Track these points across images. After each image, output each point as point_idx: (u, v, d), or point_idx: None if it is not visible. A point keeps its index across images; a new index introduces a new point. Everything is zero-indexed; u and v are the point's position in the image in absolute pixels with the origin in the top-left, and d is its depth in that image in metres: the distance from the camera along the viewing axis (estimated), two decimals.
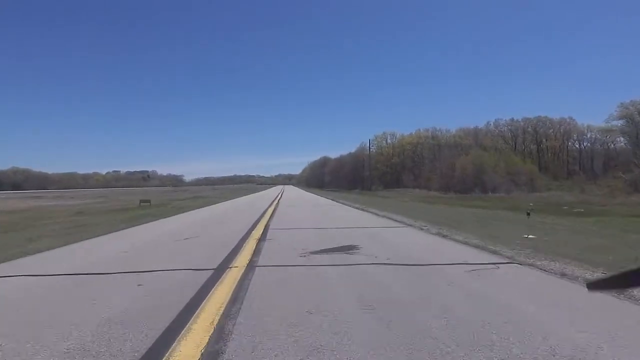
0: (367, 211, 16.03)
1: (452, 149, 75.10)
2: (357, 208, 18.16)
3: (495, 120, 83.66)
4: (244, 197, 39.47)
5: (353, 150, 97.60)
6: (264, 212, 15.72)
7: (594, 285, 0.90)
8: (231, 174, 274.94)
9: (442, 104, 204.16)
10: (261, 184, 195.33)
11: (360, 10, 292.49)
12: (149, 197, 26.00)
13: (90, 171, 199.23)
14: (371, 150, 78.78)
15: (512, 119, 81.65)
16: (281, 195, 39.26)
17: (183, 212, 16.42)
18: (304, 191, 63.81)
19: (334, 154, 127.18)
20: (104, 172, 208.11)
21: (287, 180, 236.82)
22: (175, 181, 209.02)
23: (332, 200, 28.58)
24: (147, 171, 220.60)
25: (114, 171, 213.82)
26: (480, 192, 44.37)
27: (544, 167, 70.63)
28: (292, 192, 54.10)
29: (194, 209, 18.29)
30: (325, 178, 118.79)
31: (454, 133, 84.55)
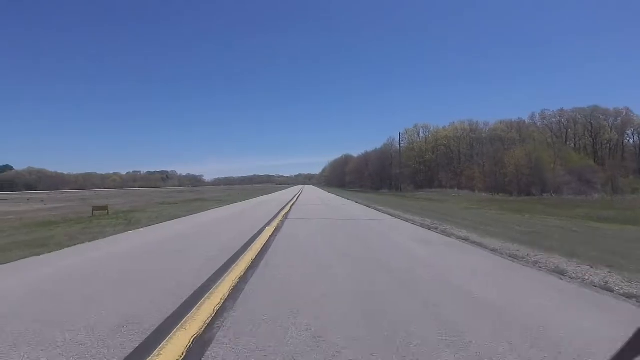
0: (456, 237, 9.33)
1: (494, 143, 71.34)
2: (425, 227, 11.70)
3: (542, 111, 78.88)
4: (253, 199, 37.26)
5: (379, 146, 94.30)
6: (250, 240, 9.05)
7: None
8: (251, 174, 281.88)
9: (476, 95, 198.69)
10: (281, 184, 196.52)
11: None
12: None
13: (112, 171, 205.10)
14: (401, 145, 75.51)
15: (562, 109, 76.75)
16: (297, 198, 36.82)
17: (122, 232, 13.75)
18: (325, 192, 61.19)
19: (356, 152, 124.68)
20: (124, 172, 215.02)
21: (306, 180, 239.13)
22: (195, 181, 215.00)
23: (364, 205, 23.54)
24: (167, 171, 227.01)
25: (135, 171, 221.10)
26: (540, 192, 40.72)
27: (600, 163, 65.77)
28: (311, 194, 51.61)
29: (155, 224, 13.40)
30: (347, 177, 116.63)
31: (493, 126, 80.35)
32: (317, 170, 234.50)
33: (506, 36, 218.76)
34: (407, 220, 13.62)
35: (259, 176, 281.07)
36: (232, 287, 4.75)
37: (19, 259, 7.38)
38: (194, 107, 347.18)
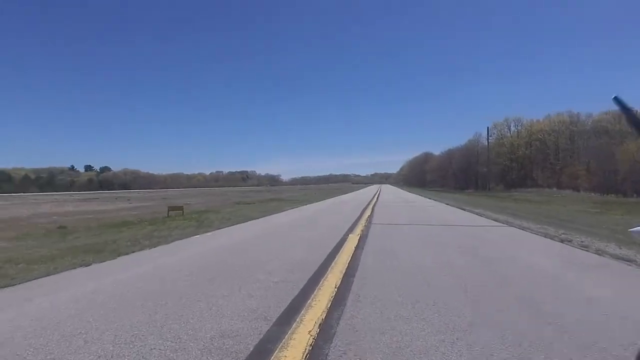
0: None
1: (600, 137, 63.10)
2: (553, 238, 9.11)
3: None
4: (330, 199, 35.74)
5: (463, 143, 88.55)
6: (339, 246, 7.87)
7: None
8: (327, 173, 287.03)
9: (574, 84, 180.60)
10: (357, 183, 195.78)
11: None
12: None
13: (197, 172, 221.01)
14: (489, 140, 69.83)
15: None
16: (377, 198, 34.64)
17: (204, 232, 11.80)
18: (405, 192, 58.01)
19: (437, 150, 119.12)
20: (208, 172, 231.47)
21: (383, 179, 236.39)
22: (272, 181, 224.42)
23: (456, 207, 20.59)
24: (247, 171, 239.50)
25: (217, 171, 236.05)
26: None
27: None
28: (391, 194, 49.03)
29: (225, 227, 12.63)
30: (427, 176, 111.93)
31: (597, 117, 71.09)
32: (394, 169, 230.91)
33: (610, 20, 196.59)
34: (522, 228, 11.01)
35: (334, 175, 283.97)
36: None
37: (64, 270, 6.46)
38: (274, 109, 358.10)
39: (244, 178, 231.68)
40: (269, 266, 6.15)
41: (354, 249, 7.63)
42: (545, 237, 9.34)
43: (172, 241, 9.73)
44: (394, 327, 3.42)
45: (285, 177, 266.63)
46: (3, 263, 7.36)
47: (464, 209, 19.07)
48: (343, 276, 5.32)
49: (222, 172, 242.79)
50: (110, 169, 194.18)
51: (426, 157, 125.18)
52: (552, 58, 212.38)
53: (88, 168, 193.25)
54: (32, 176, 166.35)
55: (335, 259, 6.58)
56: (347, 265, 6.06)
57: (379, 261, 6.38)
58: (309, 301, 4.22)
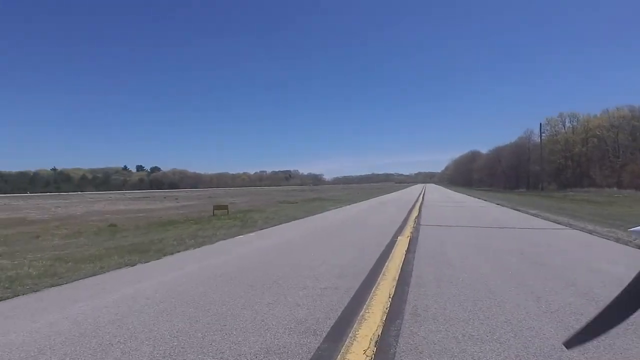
0: None
1: None
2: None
3: None
4: (374, 199, 35.09)
5: (513, 140, 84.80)
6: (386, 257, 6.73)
7: (570, 343, 0.98)
8: (369, 172, 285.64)
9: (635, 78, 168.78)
10: (400, 183, 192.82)
11: None
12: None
13: (241, 171, 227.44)
14: (542, 137, 66.37)
15: None
16: (423, 197, 33.63)
17: (248, 231, 11.12)
18: (452, 191, 56.03)
19: (484, 148, 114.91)
20: (252, 172, 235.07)
21: (427, 178, 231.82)
22: (315, 180, 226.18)
23: (509, 208, 19.13)
24: (289, 171, 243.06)
25: (261, 171, 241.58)
26: None
27: None
28: (437, 193, 47.55)
29: (269, 227, 12.45)
30: (474, 175, 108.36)
31: None
32: (438, 168, 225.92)
33: None
34: (588, 232, 10.04)
35: (377, 175, 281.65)
36: None
37: (110, 270, 6.42)
38: (317, 108, 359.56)
39: (287, 177, 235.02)
40: (315, 270, 5.79)
41: (404, 253, 7.13)
42: (617, 242, 8.41)
43: (217, 241, 9.61)
44: (464, 349, 2.94)
45: (327, 177, 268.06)
46: (54, 261, 7.47)
47: (519, 210, 17.93)
48: (396, 284, 4.86)
49: (265, 171, 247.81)
50: (160, 169, 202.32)
51: (473, 156, 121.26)
52: (608, 51, 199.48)
53: (139, 168, 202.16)
54: (89, 176, 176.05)
55: (386, 264, 6.13)
56: (399, 271, 5.59)
57: (433, 268, 5.86)
58: (361, 312, 3.81)
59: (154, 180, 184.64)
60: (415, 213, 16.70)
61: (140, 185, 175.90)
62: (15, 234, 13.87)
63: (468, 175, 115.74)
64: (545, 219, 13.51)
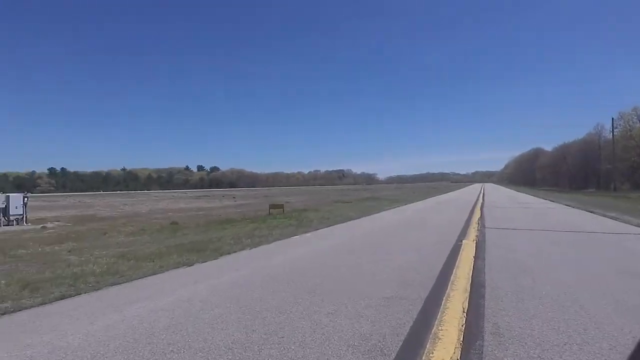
0: None
1: None
2: None
3: None
4: (430, 198, 33.93)
5: (580, 137, 79.07)
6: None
7: None
8: (424, 171, 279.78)
9: None
10: (456, 182, 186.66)
11: None
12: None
13: (295, 171, 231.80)
14: (614, 133, 61.21)
15: None
16: (482, 198, 31.99)
17: (306, 231, 11.16)
18: (513, 191, 52.82)
19: (548, 146, 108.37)
20: (306, 171, 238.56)
21: (485, 178, 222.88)
22: (368, 179, 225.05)
23: (583, 210, 17.38)
24: (343, 170, 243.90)
25: (315, 170, 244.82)
26: None
27: None
28: (498, 193, 45.16)
29: (324, 227, 12.19)
30: (537, 174, 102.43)
31: None
32: (497, 167, 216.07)
33: None
34: None
35: (432, 174, 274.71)
36: None
37: (169, 269, 6.40)
38: (370, 107, 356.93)
39: (340, 177, 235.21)
40: (376, 276, 5.38)
41: (472, 259, 6.53)
42: None
43: (273, 241, 9.45)
44: None
45: (381, 176, 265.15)
46: (117, 258, 7.60)
47: (593, 212, 16.36)
48: (469, 296, 4.34)
49: (319, 171, 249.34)
50: (219, 168, 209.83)
51: (536, 153, 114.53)
52: None
53: (200, 168, 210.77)
54: (155, 175, 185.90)
55: (454, 271, 5.59)
56: (470, 280, 5.04)
57: (509, 278, 5.24)
58: (432, 329, 3.36)
59: (213, 180, 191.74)
60: (477, 214, 15.74)
61: (200, 184, 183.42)
62: (86, 230, 14.60)
63: (530, 175, 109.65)
64: (625, 223, 12.14)
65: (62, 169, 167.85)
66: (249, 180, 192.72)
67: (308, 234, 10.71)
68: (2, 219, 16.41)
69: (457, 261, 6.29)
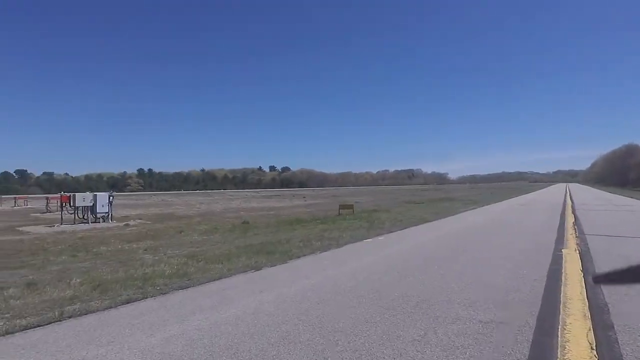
0: None
1: None
2: None
3: None
4: (510, 200, 31.46)
5: None
6: None
7: (599, 279, 0.92)
8: (499, 171, 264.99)
9: None
10: (534, 182, 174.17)
11: None
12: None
13: (364, 171, 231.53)
14: None
15: None
16: (570, 199, 28.95)
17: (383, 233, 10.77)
18: (603, 192, 47.33)
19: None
20: (375, 171, 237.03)
21: (568, 177, 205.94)
22: (439, 179, 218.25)
23: None
24: (412, 170, 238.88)
25: (384, 170, 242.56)
26: None
27: None
28: (586, 194, 40.86)
29: (397, 230, 11.38)
30: (631, 174, 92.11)
31: None
32: (582, 166, 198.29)
33: None
34: None
35: (508, 173, 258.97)
36: None
37: (236, 273, 6.11)
38: (440, 105, 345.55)
39: (410, 176, 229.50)
40: (465, 292, 4.59)
41: (580, 272, 5.47)
42: None
43: (344, 244, 8.91)
44: None
45: (452, 176, 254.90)
46: (188, 259, 7.48)
47: None
48: (592, 325, 3.43)
49: (388, 170, 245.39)
50: (289, 168, 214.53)
51: (629, 150, 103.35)
52: None
53: (272, 168, 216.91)
54: (230, 176, 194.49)
55: (561, 289, 4.63)
56: (586, 302, 4.09)
57: (638, 297, 4.20)
58: None
59: (284, 180, 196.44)
60: (569, 218, 14.01)
61: (272, 184, 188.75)
62: (163, 228, 15.07)
63: (622, 174, 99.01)
64: None
65: (149, 169, 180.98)
66: (318, 180, 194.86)
67: (381, 237, 10.02)
68: (90, 216, 17.52)
69: (562, 276, 5.28)
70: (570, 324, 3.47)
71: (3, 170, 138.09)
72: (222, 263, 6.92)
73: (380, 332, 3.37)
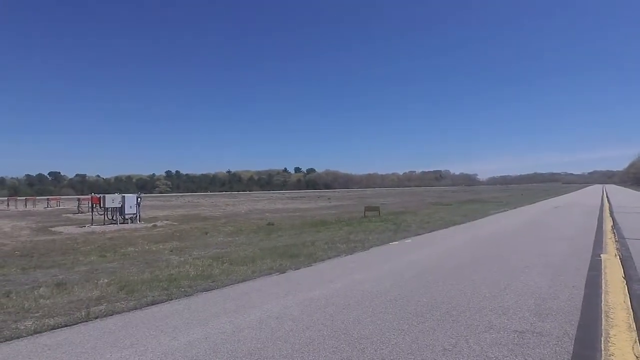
0: None
1: None
2: None
3: None
4: (543, 202, 30.51)
5: None
6: None
7: None
8: (530, 172, 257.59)
9: None
10: (568, 183, 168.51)
11: None
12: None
13: (390, 172, 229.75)
14: None
15: None
16: (608, 202, 27.76)
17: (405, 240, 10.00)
18: None
19: None
20: (401, 172, 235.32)
21: (604, 178, 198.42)
22: (468, 180, 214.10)
23: None
24: (440, 171, 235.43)
25: (410, 171, 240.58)
26: None
27: None
28: (624, 196, 39.18)
29: (424, 233, 11.05)
30: None
31: None
32: (618, 166, 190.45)
33: None
34: None
35: (540, 174, 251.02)
36: None
37: (260, 276, 6.11)
38: (467, 104, 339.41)
39: (437, 178, 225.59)
40: (499, 299, 4.40)
41: (623, 280, 5.18)
42: None
43: (369, 247, 8.78)
44: None
45: (482, 177, 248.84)
46: (213, 260, 7.51)
47: None
48: (638, 337, 3.21)
49: (414, 171, 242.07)
50: (315, 170, 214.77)
51: None
52: None
53: (297, 170, 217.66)
54: (256, 177, 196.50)
55: (602, 297, 4.38)
56: (630, 312, 3.85)
57: None
58: None
59: (309, 181, 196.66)
60: (608, 221, 13.42)
61: (297, 185, 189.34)
62: (190, 229, 15.29)
63: None
64: None
65: (177, 171, 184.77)
66: (343, 182, 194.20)
67: (408, 240, 9.84)
68: (119, 217, 17.96)
69: (603, 283, 5.01)
70: (614, 335, 3.26)
71: (37, 172, 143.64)
72: (246, 265, 6.92)
73: (409, 340, 3.25)
